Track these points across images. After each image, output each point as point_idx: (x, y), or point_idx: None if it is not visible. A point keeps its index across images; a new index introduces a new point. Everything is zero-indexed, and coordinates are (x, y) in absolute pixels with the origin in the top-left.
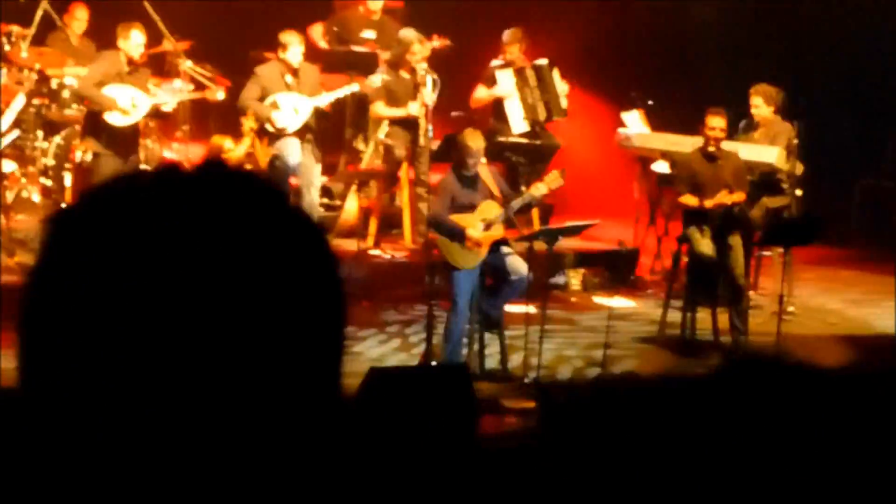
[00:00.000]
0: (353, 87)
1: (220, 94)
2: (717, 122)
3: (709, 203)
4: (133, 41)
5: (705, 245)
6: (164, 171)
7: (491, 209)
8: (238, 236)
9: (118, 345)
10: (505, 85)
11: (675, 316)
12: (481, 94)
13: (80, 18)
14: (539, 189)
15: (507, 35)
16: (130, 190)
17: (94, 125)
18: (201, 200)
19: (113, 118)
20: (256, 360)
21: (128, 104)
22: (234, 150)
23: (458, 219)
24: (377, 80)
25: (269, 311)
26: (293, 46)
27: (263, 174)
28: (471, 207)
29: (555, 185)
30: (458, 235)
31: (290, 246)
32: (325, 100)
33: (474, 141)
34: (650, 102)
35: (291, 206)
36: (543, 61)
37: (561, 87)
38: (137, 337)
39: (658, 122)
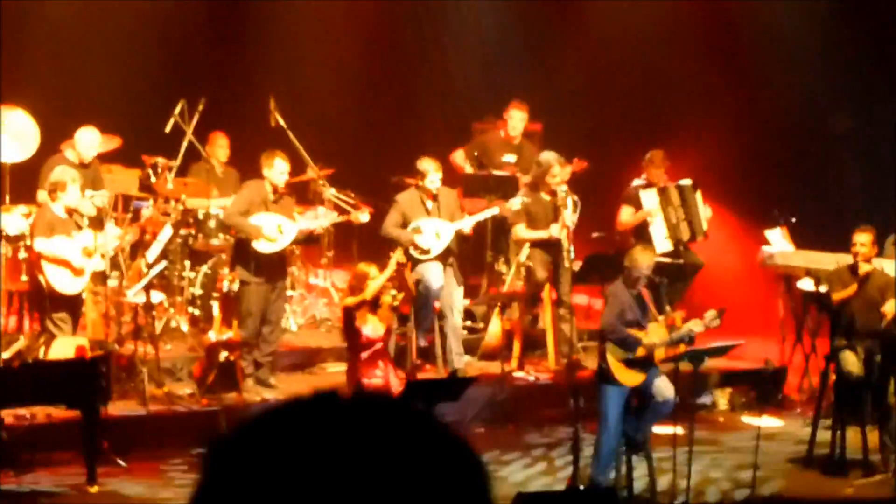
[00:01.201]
0: (494, 211)
1: (363, 217)
2: (864, 239)
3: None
4: (277, 169)
5: (853, 363)
6: (319, 401)
7: (658, 332)
8: (392, 468)
9: None
10: (649, 206)
11: (824, 435)
12: (627, 216)
13: (222, 146)
14: (696, 326)
15: (649, 157)
16: (285, 420)
17: (241, 254)
18: (355, 434)
19: (260, 246)
20: None
21: (274, 231)
22: (378, 277)
23: (633, 332)
24: (517, 202)
25: None
26: (431, 173)
27: (407, 401)
28: (638, 325)
29: (712, 326)
30: (633, 345)
31: (445, 475)
32: (466, 224)
33: (646, 258)
34: (793, 220)
35: (443, 430)
36: (688, 182)
37: (704, 210)
38: None
39: (802, 238)
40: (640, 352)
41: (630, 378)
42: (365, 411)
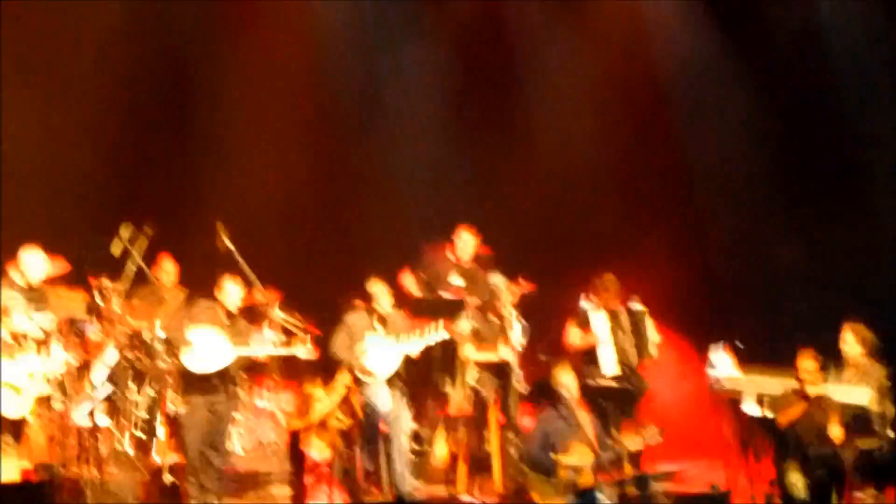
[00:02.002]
0: (444, 335)
1: (305, 353)
2: (809, 366)
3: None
4: (225, 291)
5: (799, 488)
6: None
7: (584, 454)
8: None
9: None
10: (598, 328)
11: None
12: (576, 339)
13: (167, 271)
14: (635, 443)
15: (602, 282)
16: None
17: (183, 374)
18: None
19: (189, 363)
20: None
21: (208, 352)
22: (325, 399)
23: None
24: (466, 325)
25: None
26: (380, 296)
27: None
28: (564, 449)
29: (652, 442)
30: (551, 469)
31: None
32: (414, 347)
33: (564, 374)
34: (739, 345)
35: None
36: (640, 307)
37: (654, 336)
38: None
39: (746, 357)
40: (561, 472)
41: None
42: None
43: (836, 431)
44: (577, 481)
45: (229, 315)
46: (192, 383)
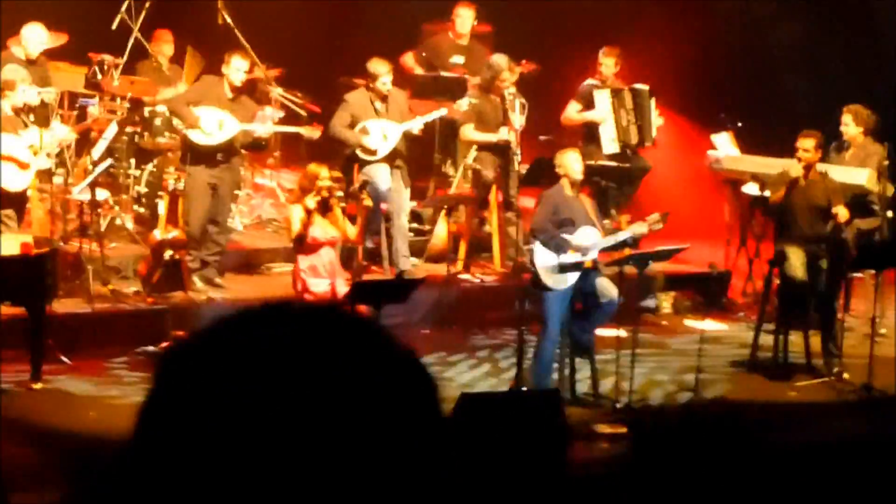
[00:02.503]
0: (442, 112)
1: (315, 134)
2: (808, 144)
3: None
4: (232, 66)
5: (797, 268)
6: (269, 311)
7: (591, 235)
8: (341, 380)
9: (227, 480)
10: (601, 106)
11: (767, 339)
12: (574, 114)
13: (167, 42)
14: (639, 228)
15: (604, 51)
16: (234, 332)
17: (183, 146)
18: (306, 346)
19: (194, 136)
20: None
21: (212, 126)
22: (328, 178)
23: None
24: (465, 104)
25: (372, 450)
26: (383, 75)
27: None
28: (572, 224)
29: (656, 228)
30: (561, 248)
31: (394, 391)
32: (414, 125)
33: (574, 159)
34: (739, 124)
35: (391, 341)
36: (644, 87)
37: (656, 119)
38: (244, 471)
39: (748, 143)
40: (570, 252)
41: (559, 281)
42: (315, 322)
43: (840, 211)
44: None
45: (234, 89)
46: (194, 157)
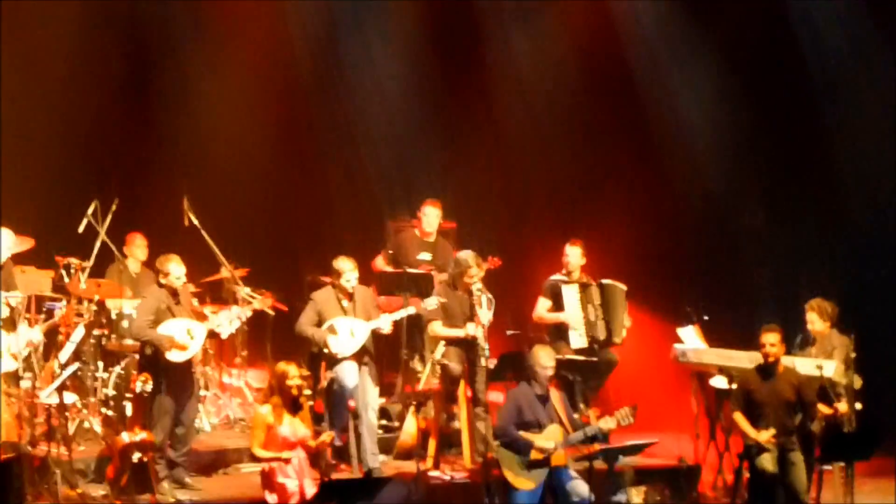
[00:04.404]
0: (411, 310)
1: (266, 306)
2: (773, 339)
3: (763, 436)
4: (173, 275)
5: (767, 461)
6: None
7: (556, 434)
8: None
9: None
10: (569, 300)
11: None
12: (544, 313)
13: (140, 246)
14: (607, 423)
15: (569, 244)
16: None
17: (151, 362)
18: None
19: (173, 356)
20: None
21: (185, 338)
22: (297, 376)
23: (525, 435)
24: (433, 302)
25: None
26: (347, 272)
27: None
28: (537, 426)
29: (625, 423)
30: (524, 449)
31: None
32: (382, 323)
33: (545, 355)
34: (705, 318)
35: None
36: (615, 283)
37: (625, 320)
38: None
39: (714, 337)
40: (533, 454)
41: (524, 483)
42: None
43: (808, 404)
44: (548, 459)
45: (174, 293)
46: (158, 370)
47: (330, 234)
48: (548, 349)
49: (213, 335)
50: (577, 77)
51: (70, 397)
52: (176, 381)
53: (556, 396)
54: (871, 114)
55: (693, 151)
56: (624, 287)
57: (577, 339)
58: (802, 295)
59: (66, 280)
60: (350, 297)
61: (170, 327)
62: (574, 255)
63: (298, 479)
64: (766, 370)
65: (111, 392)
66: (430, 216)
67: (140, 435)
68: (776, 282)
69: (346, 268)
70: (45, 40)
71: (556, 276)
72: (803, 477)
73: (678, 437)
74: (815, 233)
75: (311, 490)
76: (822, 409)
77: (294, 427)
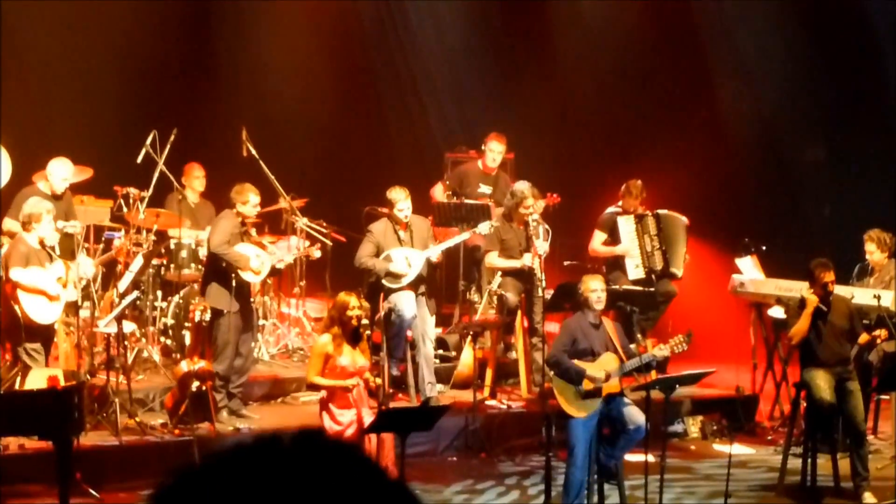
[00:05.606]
0: (464, 236)
1: (316, 253)
2: (832, 277)
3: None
4: (251, 203)
5: (825, 391)
6: (262, 446)
7: (611, 362)
8: None
9: None
10: (625, 232)
11: (795, 462)
12: (599, 247)
13: (198, 177)
14: (662, 351)
15: (626, 188)
16: (226, 469)
17: (220, 284)
18: (299, 480)
19: (247, 276)
20: None
21: (257, 262)
22: (358, 307)
23: (577, 363)
24: (486, 226)
25: None
26: (400, 202)
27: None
28: (591, 354)
29: (679, 350)
30: (577, 378)
31: None
32: (434, 252)
33: (594, 282)
34: (763, 248)
35: (388, 479)
36: (672, 214)
37: (684, 253)
38: None
39: (772, 267)
40: (585, 384)
41: (579, 411)
42: (308, 461)
43: (862, 335)
44: (602, 388)
45: (244, 222)
46: (226, 291)
47: (388, 166)
48: (597, 276)
49: (273, 270)
50: (635, 14)
51: (129, 326)
52: (240, 309)
53: (609, 325)
54: None
55: (751, 85)
56: (685, 220)
57: (634, 270)
58: (861, 227)
59: (125, 210)
60: (406, 227)
61: (245, 250)
62: (634, 191)
63: (356, 408)
64: (823, 301)
65: (170, 321)
66: (495, 151)
67: (199, 364)
68: (834, 214)
69: (399, 198)
70: None
71: (612, 209)
72: (860, 406)
73: (736, 368)
74: (875, 165)
75: (368, 418)
76: (883, 344)
77: (353, 357)
